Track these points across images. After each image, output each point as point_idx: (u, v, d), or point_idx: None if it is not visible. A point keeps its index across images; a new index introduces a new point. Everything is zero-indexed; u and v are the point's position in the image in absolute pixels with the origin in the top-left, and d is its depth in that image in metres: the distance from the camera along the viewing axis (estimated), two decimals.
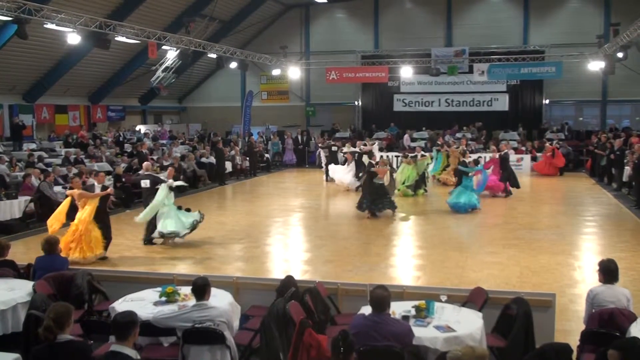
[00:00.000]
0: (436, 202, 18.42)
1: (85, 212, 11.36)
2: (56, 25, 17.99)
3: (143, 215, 12.43)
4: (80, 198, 11.49)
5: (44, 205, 15.47)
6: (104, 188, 12.04)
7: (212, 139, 27.46)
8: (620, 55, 23.03)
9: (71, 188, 12.22)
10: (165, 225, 12.38)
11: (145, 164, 14.00)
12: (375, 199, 15.72)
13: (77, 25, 18.29)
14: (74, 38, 18.68)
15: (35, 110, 25.29)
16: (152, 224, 12.58)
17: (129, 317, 4.98)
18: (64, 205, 11.74)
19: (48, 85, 25.11)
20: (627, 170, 19.31)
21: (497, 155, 19.66)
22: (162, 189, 12.42)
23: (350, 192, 19.83)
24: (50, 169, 17.50)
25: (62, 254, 10.81)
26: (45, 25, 18.14)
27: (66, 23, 18.13)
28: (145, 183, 12.78)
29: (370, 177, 15.78)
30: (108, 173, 19.45)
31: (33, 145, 23.14)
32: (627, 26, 22.03)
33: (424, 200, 18.90)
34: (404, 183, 19.34)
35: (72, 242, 11.25)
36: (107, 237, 11.73)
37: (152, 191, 12.54)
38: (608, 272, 6.45)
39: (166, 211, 12.43)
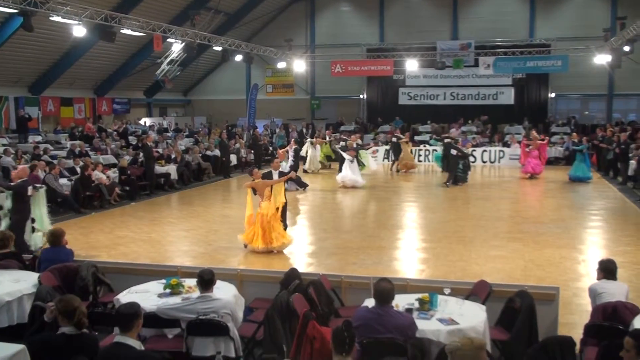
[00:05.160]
0: (441, 195, 18.41)
1: (273, 205, 11.40)
2: (62, 17, 18.00)
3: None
4: (264, 187, 11.42)
5: (49, 198, 15.53)
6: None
7: (222, 131, 26.80)
8: (627, 48, 22.91)
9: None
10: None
11: (22, 167, 12.74)
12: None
13: (82, 17, 18.30)
14: (79, 31, 18.69)
15: (41, 102, 25.31)
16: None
17: (132, 309, 5.00)
18: (249, 201, 11.80)
19: (54, 78, 25.14)
20: (633, 164, 19.28)
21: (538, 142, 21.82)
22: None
23: (356, 188, 19.55)
24: (55, 162, 17.54)
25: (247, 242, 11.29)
26: (50, 18, 18.14)
27: (72, 15, 18.15)
28: (30, 190, 11.42)
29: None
30: (113, 165, 19.53)
31: (39, 138, 23.14)
32: (634, 19, 21.94)
33: (428, 193, 18.89)
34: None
35: (255, 233, 11.28)
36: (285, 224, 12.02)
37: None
38: (608, 271, 6.53)
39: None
